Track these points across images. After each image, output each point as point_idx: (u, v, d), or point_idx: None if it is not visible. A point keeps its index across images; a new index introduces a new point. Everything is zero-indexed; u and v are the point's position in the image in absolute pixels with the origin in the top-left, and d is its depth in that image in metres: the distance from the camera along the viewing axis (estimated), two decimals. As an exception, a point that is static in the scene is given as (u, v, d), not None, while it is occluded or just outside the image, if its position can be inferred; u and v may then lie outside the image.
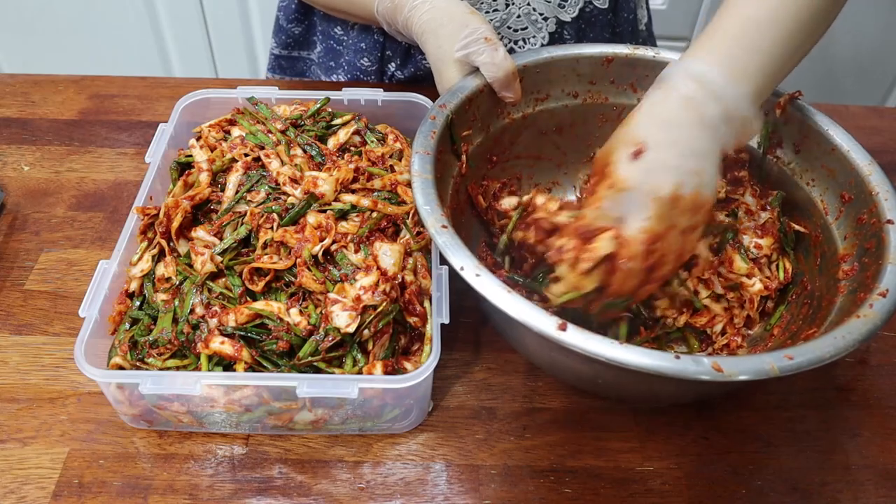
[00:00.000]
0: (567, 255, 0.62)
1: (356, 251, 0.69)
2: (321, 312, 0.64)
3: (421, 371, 0.60)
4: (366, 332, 0.63)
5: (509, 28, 0.94)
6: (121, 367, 0.64)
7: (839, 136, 0.71)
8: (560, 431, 0.67)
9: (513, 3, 0.92)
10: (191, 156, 0.78)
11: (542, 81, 0.80)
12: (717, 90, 0.60)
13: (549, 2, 0.93)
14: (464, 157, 0.75)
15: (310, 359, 0.62)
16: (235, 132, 0.81)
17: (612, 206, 0.60)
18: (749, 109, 0.62)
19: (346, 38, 1.02)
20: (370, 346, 0.64)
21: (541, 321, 0.54)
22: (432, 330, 0.64)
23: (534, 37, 0.95)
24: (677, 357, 0.52)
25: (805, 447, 0.67)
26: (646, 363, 0.52)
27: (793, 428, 0.69)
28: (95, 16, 1.84)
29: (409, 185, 0.75)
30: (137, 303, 0.68)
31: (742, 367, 0.52)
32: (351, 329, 0.62)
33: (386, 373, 0.62)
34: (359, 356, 0.64)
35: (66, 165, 0.91)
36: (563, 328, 0.53)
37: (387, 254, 0.66)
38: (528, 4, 0.92)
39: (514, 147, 0.82)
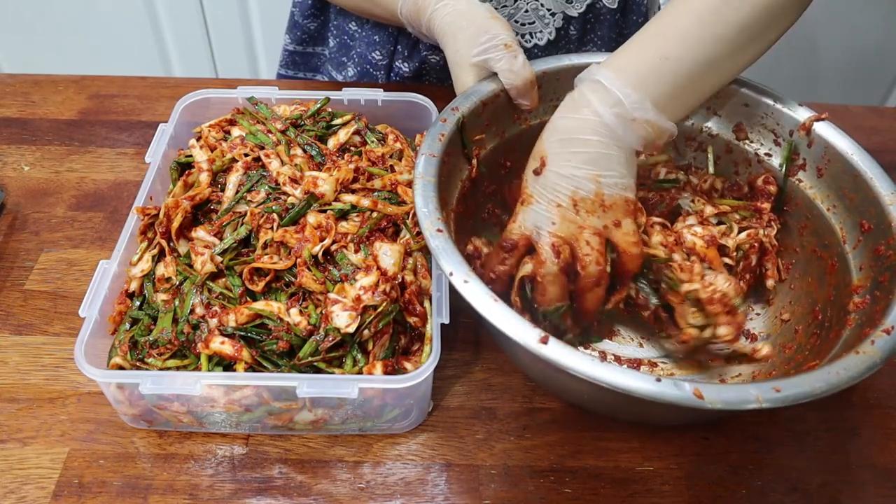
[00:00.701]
0: (500, 270, 0.66)
1: (356, 251, 0.69)
2: (321, 312, 0.64)
3: (421, 371, 0.60)
4: (366, 332, 0.63)
5: (516, 22, 0.94)
6: (121, 367, 0.64)
7: (863, 163, 0.69)
8: (560, 431, 0.67)
9: None
10: (191, 156, 0.78)
11: (561, 88, 0.78)
12: (615, 97, 0.63)
13: None
14: (474, 162, 0.74)
15: (310, 359, 0.62)
16: (235, 132, 0.81)
17: (525, 219, 0.65)
18: (651, 113, 0.64)
19: (360, 31, 1.02)
20: (370, 346, 0.64)
21: (522, 333, 0.53)
22: (432, 330, 0.64)
23: (540, 31, 0.95)
24: (658, 380, 0.51)
25: (805, 447, 0.67)
26: (623, 383, 0.51)
27: (793, 428, 0.69)
28: (95, 16, 1.84)
29: (409, 185, 0.75)
30: (137, 303, 0.68)
31: (724, 395, 0.51)
32: (351, 329, 0.62)
33: (386, 373, 0.62)
34: (359, 356, 0.64)
35: (66, 165, 0.91)
36: (544, 341, 0.53)
37: (387, 254, 0.66)
38: (536, 0, 0.92)
39: (528, 154, 0.80)
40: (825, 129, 0.72)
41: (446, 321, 0.63)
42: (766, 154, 0.77)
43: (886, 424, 0.69)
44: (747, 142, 0.78)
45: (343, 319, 0.62)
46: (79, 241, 0.82)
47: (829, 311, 0.68)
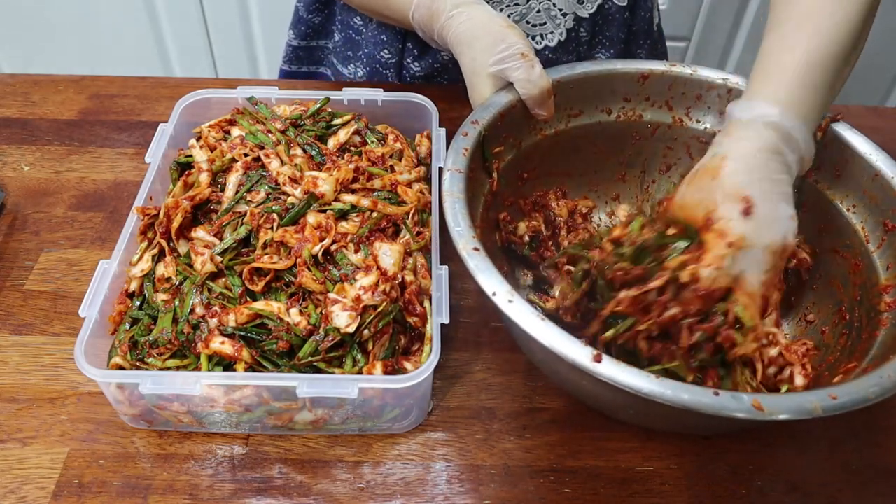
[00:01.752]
0: (686, 319, 0.60)
1: (356, 251, 0.69)
2: (321, 312, 0.64)
3: (421, 371, 0.59)
4: (366, 332, 0.63)
5: (528, 23, 0.94)
6: (121, 367, 0.64)
7: (882, 162, 0.69)
8: (560, 431, 0.67)
9: None
10: (191, 156, 0.78)
11: (576, 97, 0.78)
12: (792, 136, 0.62)
13: None
14: (495, 175, 0.73)
15: (310, 359, 0.62)
16: (235, 132, 0.81)
17: (732, 265, 0.59)
18: (811, 144, 0.64)
19: (364, 29, 1.02)
20: (370, 347, 0.64)
21: (575, 352, 0.53)
22: (432, 330, 0.64)
23: (551, 32, 0.95)
24: (716, 394, 0.51)
25: (805, 447, 0.67)
26: (683, 399, 0.50)
27: (793, 428, 0.69)
28: (95, 16, 1.84)
29: (409, 185, 0.76)
30: (137, 303, 0.68)
31: (784, 405, 0.51)
32: (351, 329, 0.62)
33: (386, 373, 0.62)
34: (359, 356, 0.64)
35: (66, 165, 0.91)
36: (598, 359, 0.52)
37: (387, 254, 0.66)
38: (549, 0, 0.92)
39: (544, 164, 0.80)
40: (841, 130, 0.72)
41: (446, 321, 0.63)
42: None
43: (886, 424, 0.69)
44: None
45: (343, 319, 0.62)
46: (79, 241, 0.82)
47: (857, 311, 0.67)
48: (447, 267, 0.67)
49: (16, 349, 0.72)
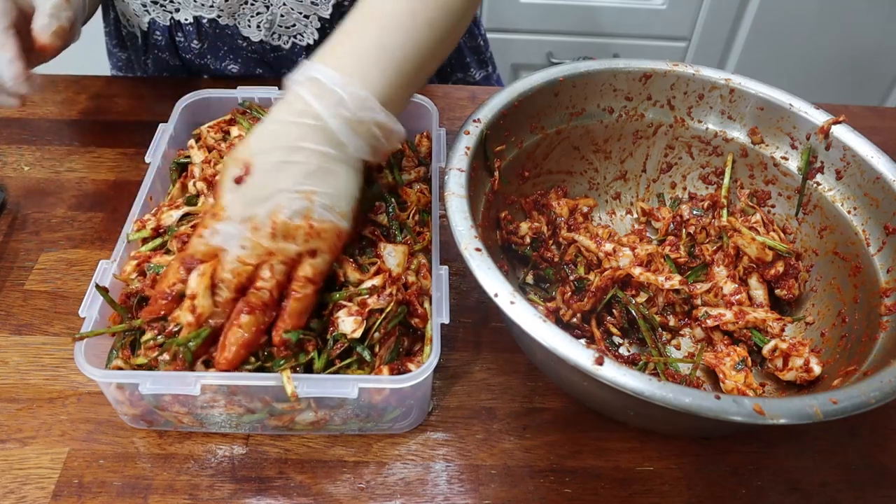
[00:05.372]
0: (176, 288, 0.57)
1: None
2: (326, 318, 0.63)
3: (421, 371, 0.59)
4: (375, 335, 0.62)
5: (280, 27, 0.97)
6: (120, 368, 0.64)
7: (884, 165, 0.69)
8: (560, 431, 0.67)
9: (273, 4, 0.94)
10: (190, 156, 0.78)
11: (578, 96, 0.79)
12: (337, 96, 0.55)
13: (302, 1, 0.94)
14: (496, 174, 0.74)
15: (327, 371, 0.61)
16: (235, 132, 0.81)
17: (211, 235, 0.56)
18: (380, 113, 0.57)
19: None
20: (376, 350, 0.64)
21: (576, 354, 0.53)
22: (432, 330, 0.64)
23: (302, 33, 0.98)
24: (717, 397, 0.51)
25: (805, 447, 0.67)
26: (685, 402, 0.51)
27: (793, 428, 0.69)
28: (97, 16, 1.84)
29: (409, 185, 0.75)
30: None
31: (784, 409, 0.51)
32: (357, 334, 0.61)
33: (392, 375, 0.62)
34: (366, 356, 0.63)
35: (66, 165, 0.91)
36: (599, 362, 0.52)
37: (391, 254, 0.66)
38: (285, 4, 0.95)
39: (546, 162, 0.81)
40: (843, 132, 0.72)
41: (446, 321, 0.63)
42: (783, 157, 0.77)
43: (886, 424, 0.69)
44: (762, 145, 0.78)
45: (349, 325, 0.61)
46: (79, 241, 0.82)
47: (857, 314, 0.67)
48: (447, 267, 0.67)
49: (16, 349, 0.72)
